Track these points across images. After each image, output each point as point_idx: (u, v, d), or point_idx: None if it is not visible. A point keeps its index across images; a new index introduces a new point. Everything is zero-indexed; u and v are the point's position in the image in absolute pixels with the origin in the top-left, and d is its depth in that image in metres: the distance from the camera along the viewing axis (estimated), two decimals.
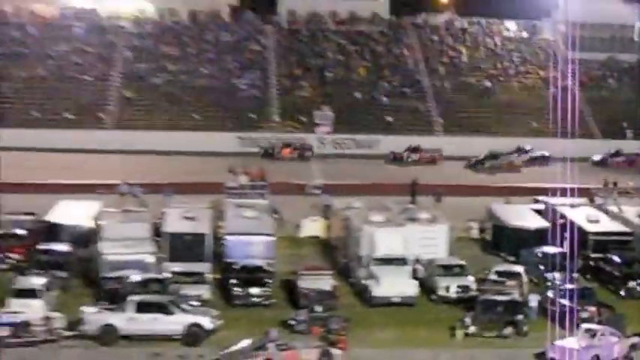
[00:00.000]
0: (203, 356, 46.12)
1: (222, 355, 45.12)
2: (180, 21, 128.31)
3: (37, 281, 51.76)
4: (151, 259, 54.96)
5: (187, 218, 59.75)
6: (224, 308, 52.08)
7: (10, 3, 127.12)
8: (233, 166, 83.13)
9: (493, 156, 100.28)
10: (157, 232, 59.28)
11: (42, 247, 57.83)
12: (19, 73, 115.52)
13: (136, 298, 49.08)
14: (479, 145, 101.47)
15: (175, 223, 59.26)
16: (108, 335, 47.46)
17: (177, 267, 54.57)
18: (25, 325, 47.32)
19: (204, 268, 55.34)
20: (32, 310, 48.63)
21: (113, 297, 50.86)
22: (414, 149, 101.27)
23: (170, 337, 47.83)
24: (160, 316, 48.15)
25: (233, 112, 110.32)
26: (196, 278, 53.96)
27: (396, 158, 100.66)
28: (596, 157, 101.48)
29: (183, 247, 56.63)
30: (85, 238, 59.06)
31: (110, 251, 54.95)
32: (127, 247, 55.38)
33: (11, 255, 59.89)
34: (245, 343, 45.40)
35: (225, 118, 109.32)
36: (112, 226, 58.74)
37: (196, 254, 56.29)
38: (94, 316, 47.82)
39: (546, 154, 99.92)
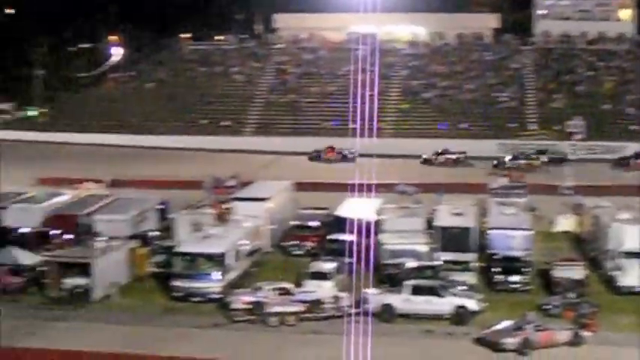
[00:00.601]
0: (469, 334, 45.75)
1: (486, 333, 44.88)
2: (449, 43, 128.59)
3: (328, 266, 52.85)
4: (424, 248, 54.87)
5: (456, 214, 59.54)
6: (487, 293, 51.47)
7: (305, 31, 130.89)
8: (495, 169, 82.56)
9: (514, 157, 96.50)
10: (430, 225, 59.38)
11: (332, 237, 58.85)
12: (312, 89, 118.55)
13: (412, 282, 49.31)
14: None
15: (446, 218, 59.08)
16: (387, 313, 47.81)
17: (447, 256, 54.26)
18: (318, 302, 48.22)
19: (470, 257, 54.90)
20: (324, 290, 49.60)
21: (392, 281, 51.39)
22: None
23: (440, 316, 47.69)
24: (431, 298, 48.12)
25: (494, 122, 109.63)
26: (463, 266, 53.53)
27: None
28: None
29: (452, 238, 56.24)
30: (368, 230, 59.70)
31: (390, 241, 55.33)
32: (403, 238, 55.60)
33: (306, 243, 61.23)
34: (506, 323, 45.04)
35: (487, 127, 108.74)
36: (391, 220, 59.23)
37: (463, 245, 55.84)
38: (376, 296, 48.30)
39: (563, 155, 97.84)
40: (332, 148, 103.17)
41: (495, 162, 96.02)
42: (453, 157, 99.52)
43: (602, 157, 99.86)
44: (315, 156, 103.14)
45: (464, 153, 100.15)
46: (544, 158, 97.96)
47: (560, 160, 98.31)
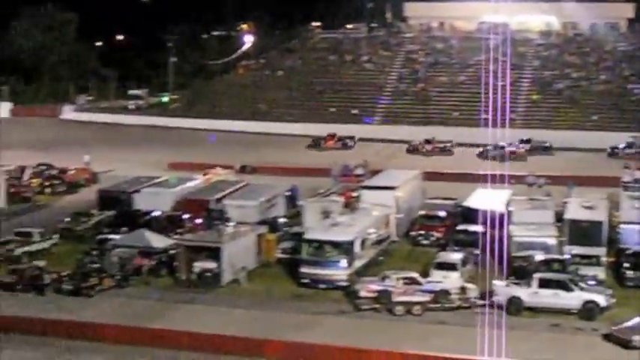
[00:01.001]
0: (597, 330, 44.89)
1: (615, 330, 44.00)
2: (582, 33, 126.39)
3: (456, 256, 52.53)
4: (553, 241, 54.25)
5: (586, 207, 58.56)
6: (616, 288, 50.44)
7: (435, 20, 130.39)
8: (628, 162, 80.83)
9: (497, 146, 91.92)
10: (559, 218, 58.49)
11: (460, 227, 58.51)
12: (442, 78, 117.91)
13: (540, 275, 48.69)
14: None
15: (576, 211, 58.06)
16: (514, 306, 47.22)
17: (576, 249, 53.45)
18: (444, 293, 48.00)
19: (600, 251, 53.81)
20: (450, 280, 49.36)
21: (520, 273, 50.75)
22: None
23: (568, 310, 46.91)
24: (560, 291, 47.34)
25: (627, 114, 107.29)
26: (593, 260, 52.60)
27: None
28: None
29: (582, 232, 55.23)
30: (497, 222, 59.08)
31: (519, 234, 54.82)
32: (533, 231, 55.10)
33: (433, 233, 60.90)
34: (636, 320, 44.10)
35: (620, 119, 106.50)
36: (520, 212, 58.64)
37: (593, 239, 54.75)
38: (504, 289, 47.82)
39: (548, 144, 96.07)
40: (332, 136, 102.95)
41: (480, 150, 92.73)
42: (440, 145, 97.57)
43: None
44: (314, 144, 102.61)
45: (450, 142, 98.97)
46: (527, 147, 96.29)
47: (544, 149, 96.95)
